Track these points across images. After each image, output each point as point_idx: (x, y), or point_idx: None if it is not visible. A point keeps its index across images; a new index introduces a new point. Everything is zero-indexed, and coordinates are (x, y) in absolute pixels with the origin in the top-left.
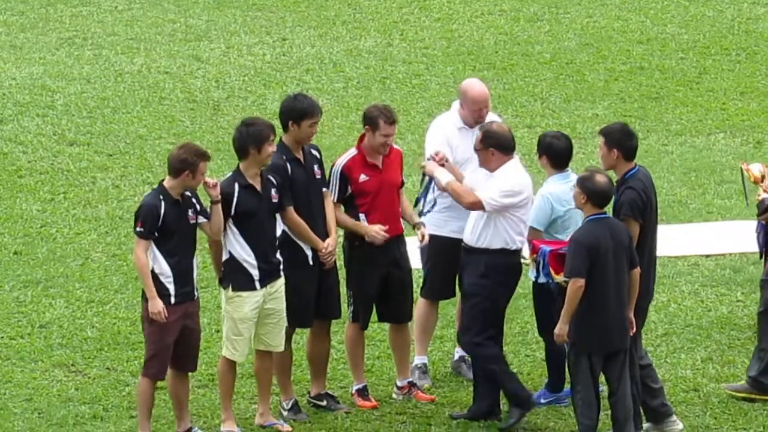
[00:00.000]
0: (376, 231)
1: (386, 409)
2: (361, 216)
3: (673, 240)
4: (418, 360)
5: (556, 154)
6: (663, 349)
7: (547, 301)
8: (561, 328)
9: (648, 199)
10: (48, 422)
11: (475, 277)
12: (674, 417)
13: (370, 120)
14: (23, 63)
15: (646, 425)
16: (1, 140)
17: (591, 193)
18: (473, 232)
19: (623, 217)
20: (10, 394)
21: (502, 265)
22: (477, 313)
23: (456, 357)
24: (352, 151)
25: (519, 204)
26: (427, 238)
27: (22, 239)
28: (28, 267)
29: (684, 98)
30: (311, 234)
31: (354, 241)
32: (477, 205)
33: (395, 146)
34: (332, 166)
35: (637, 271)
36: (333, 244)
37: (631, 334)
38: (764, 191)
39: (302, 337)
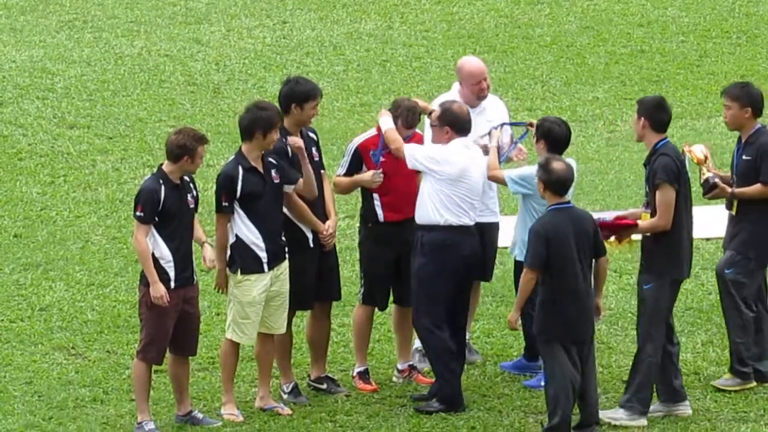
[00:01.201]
0: (371, 176)
1: (386, 392)
2: (375, 196)
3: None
4: (418, 343)
5: (554, 139)
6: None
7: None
8: (513, 316)
9: (682, 167)
10: (48, 405)
11: (415, 256)
12: (687, 402)
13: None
14: (23, 46)
15: (654, 405)
16: (1, 123)
17: (547, 181)
18: (416, 209)
19: (658, 181)
20: (10, 377)
21: (435, 243)
22: (422, 294)
23: None
24: (372, 131)
25: (439, 173)
26: None
27: (22, 222)
28: (28, 250)
29: (684, 81)
30: (311, 216)
31: (368, 221)
32: (399, 152)
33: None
34: (348, 143)
35: (604, 259)
36: (333, 226)
37: (599, 319)
38: (708, 171)
39: (302, 320)
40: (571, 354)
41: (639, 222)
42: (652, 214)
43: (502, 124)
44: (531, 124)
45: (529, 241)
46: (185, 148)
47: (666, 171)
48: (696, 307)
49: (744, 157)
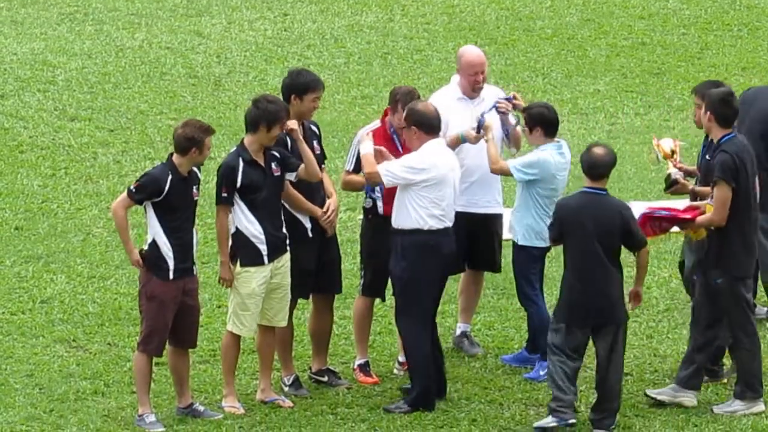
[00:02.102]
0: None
1: (387, 384)
2: (376, 189)
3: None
4: None
5: (549, 122)
6: (665, 325)
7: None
8: None
9: (742, 164)
10: (49, 398)
11: (395, 260)
12: (694, 393)
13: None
14: (24, 38)
15: (664, 389)
16: (2, 115)
17: (586, 164)
18: (393, 212)
19: (715, 178)
20: (11, 369)
21: (417, 245)
22: (405, 296)
23: (458, 332)
24: (375, 123)
25: (422, 182)
26: None
27: (23, 215)
28: (29, 242)
29: (685, 74)
30: (307, 203)
31: (368, 213)
32: (374, 176)
33: None
34: (353, 136)
35: (644, 251)
36: (334, 204)
37: (632, 308)
38: (674, 166)
39: (304, 312)
40: (576, 337)
41: (697, 217)
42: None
43: (489, 109)
44: (515, 97)
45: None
46: (193, 140)
47: (723, 169)
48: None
49: (707, 158)
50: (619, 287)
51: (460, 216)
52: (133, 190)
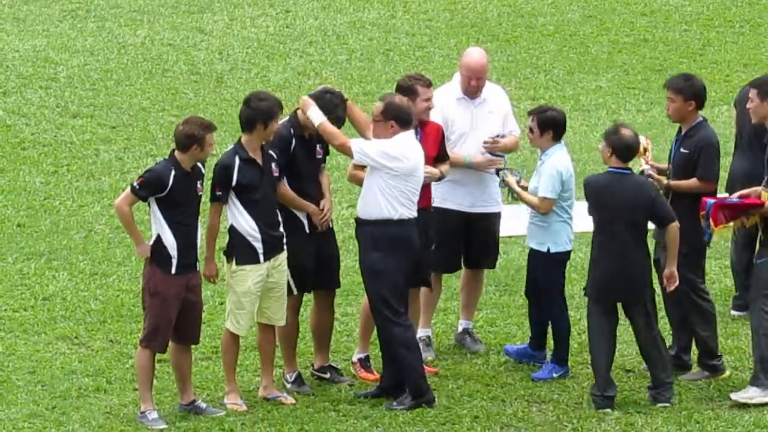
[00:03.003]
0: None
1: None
2: None
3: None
4: (422, 332)
5: (560, 126)
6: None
7: (533, 265)
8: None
9: None
10: (51, 395)
11: (366, 251)
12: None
13: (407, 90)
14: (26, 35)
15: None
16: (4, 112)
17: (617, 146)
18: (358, 203)
19: None
20: (13, 366)
21: (388, 236)
22: (380, 289)
23: (460, 329)
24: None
25: (392, 170)
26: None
27: (26, 211)
28: (32, 239)
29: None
30: (301, 200)
31: None
32: (344, 148)
33: (432, 120)
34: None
35: (674, 227)
36: (328, 205)
37: (671, 288)
38: (646, 163)
39: (306, 309)
40: (606, 312)
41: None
42: None
43: (503, 165)
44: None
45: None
46: (194, 137)
47: None
48: None
49: (682, 150)
50: (642, 265)
51: (457, 215)
52: (137, 187)
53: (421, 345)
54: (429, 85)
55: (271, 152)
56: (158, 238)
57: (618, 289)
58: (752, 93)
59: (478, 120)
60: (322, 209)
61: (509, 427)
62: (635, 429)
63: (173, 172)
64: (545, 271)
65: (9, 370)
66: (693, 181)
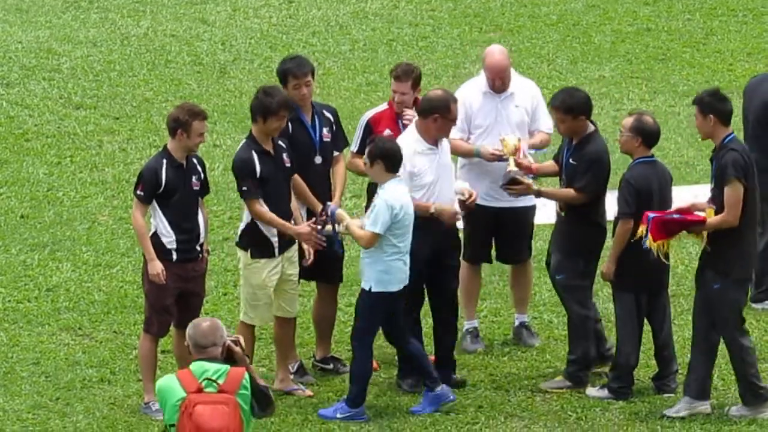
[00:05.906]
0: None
1: (392, 371)
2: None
3: (680, 201)
4: (468, 324)
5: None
6: (671, 311)
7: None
8: (608, 267)
9: (750, 163)
10: (55, 386)
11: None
12: (708, 402)
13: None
14: (29, 26)
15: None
16: (7, 104)
17: (645, 134)
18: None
19: (728, 177)
20: (17, 357)
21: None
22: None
23: (516, 323)
24: (383, 106)
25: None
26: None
27: (29, 203)
28: (35, 230)
29: (691, 59)
30: (312, 197)
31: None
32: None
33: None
34: (361, 118)
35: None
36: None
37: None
38: (513, 164)
39: (308, 300)
40: (640, 303)
41: (708, 218)
42: (717, 211)
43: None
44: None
45: (620, 190)
46: (178, 121)
47: (735, 167)
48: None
49: (571, 161)
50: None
51: (489, 211)
52: (141, 194)
53: (468, 338)
54: (399, 77)
55: (281, 143)
56: (156, 233)
57: (657, 277)
58: (695, 110)
59: (502, 114)
60: (322, 211)
61: (513, 416)
62: (639, 418)
63: (164, 163)
64: (361, 309)
65: (13, 361)
66: (569, 192)
